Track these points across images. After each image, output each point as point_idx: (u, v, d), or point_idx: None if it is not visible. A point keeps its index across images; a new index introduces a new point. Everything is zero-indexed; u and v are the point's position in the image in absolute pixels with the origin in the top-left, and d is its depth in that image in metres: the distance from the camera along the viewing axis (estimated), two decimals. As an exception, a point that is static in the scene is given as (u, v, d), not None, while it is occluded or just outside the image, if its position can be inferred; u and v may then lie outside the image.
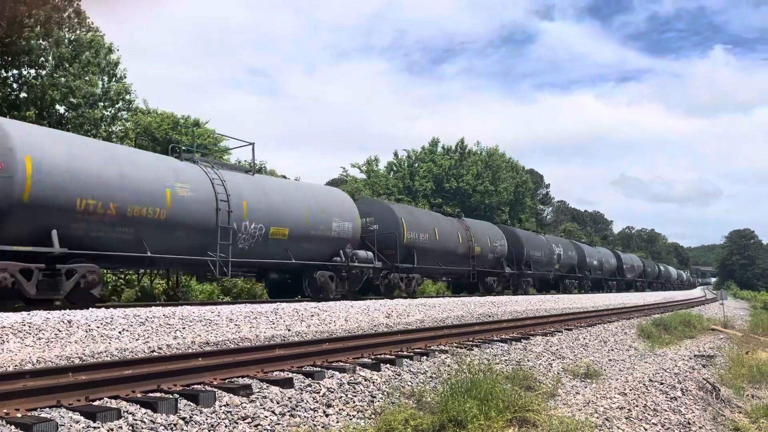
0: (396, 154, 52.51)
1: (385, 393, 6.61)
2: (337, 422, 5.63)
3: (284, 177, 24.11)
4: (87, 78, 20.83)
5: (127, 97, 22.54)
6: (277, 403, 5.80)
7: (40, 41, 19.55)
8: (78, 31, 20.52)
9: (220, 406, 5.50)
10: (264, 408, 5.62)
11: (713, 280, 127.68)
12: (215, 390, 5.87)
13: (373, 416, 5.87)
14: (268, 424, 5.27)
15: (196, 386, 6.05)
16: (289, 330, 11.34)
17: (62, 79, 20.04)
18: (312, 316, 12.89)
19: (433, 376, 7.72)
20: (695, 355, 12.35)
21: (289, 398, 5.98)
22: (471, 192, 49.24)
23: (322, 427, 5.48)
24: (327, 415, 5.76)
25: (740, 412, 8.61)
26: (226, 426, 5.10)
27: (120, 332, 9.22)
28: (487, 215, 46.52)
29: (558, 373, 9.15)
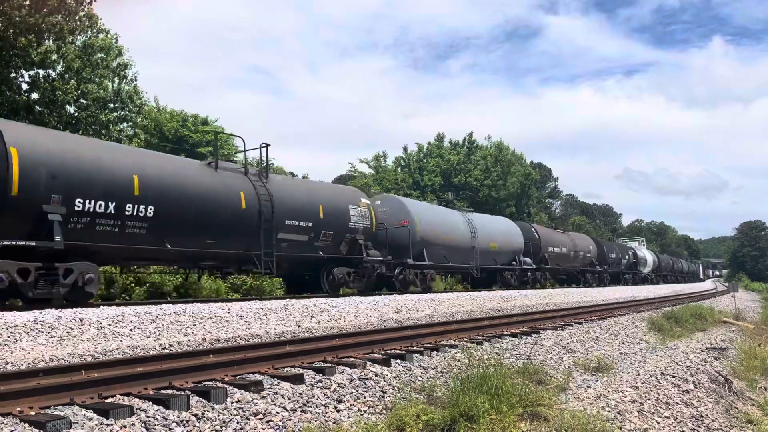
0: (406, 149, 52.48)
1: (396, 388, 6.61)
2: (348, 417, 5.64)
3: (292, 174, 24.39)
4: (97, 80, 20.88)
5: (138, 100, 22.52)
6: (288, 399, 5.82)
7: (52, 44, 19.59)
8: (90, 34, 20.52)
9: (232, 403, 5.52)
10: (275, 404, 5.63)
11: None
12: (226, 386, 5.89)
13: (384, 411, 5.87)
14: (280, 420, 5.28)
15: (207, 383, 6.08)
16: (299, 326, 11.37)
17: (73, 81, 20.11)
18: (322, 312, 12.91)
19: (444, 371, 7.72)
20: (707, 348, 12.27)
21: (300, 394, 5.99)
22: (479, 187, 49.15)
23: (334, 422, 5.48)
24: (338, 411, 5.77)
25: (753, 405, 8.56)
26: (237, 422, 5.12)
27: (131, 330, 9.28)
28: (496, 209, 46.39)
29: (569, 367, 9.12)
